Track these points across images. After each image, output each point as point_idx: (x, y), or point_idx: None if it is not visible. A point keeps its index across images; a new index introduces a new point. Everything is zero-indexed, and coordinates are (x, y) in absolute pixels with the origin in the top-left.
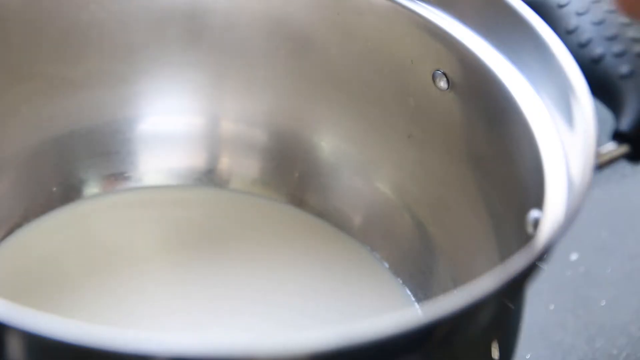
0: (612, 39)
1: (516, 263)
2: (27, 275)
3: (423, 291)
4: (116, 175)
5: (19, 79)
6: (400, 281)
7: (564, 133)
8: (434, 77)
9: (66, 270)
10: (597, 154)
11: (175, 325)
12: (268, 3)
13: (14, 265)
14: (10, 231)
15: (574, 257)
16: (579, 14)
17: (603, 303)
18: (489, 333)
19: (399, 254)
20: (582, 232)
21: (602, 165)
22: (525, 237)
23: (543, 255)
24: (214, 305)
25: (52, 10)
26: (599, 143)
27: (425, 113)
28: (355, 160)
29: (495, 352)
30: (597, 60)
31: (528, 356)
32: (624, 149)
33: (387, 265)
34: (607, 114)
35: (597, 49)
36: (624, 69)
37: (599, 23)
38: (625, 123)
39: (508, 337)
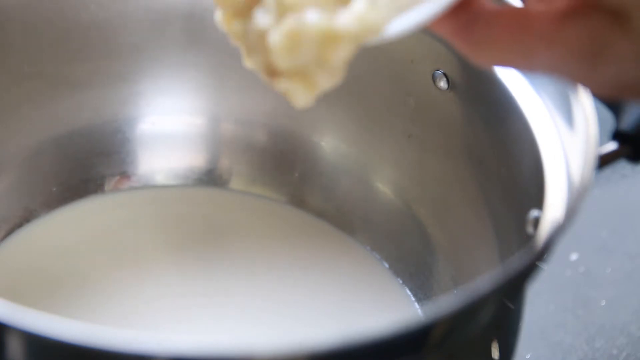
0: None
1: (516, 263)
2: (28, 274)
3: (423, 291)
4: (116, 175)
5: (19, 79)
6: (400, 281)
7: (564, 133)
8: (434, 77)
9: (66, 269)
10: (597, 154)
11: (175, 323)
12: None
13: (14, 264)
14: (10, 231)
15: (574, 257)
16: None
17: (603, 303)
18: (488, 333)
19: (399, 254)
20: (582, 232)
21: (602, 165)
22: (525, 237)
23: (543, 255)
24: (213, 304)
25: (52, 10)
26: (599, 143)
27: (425, 113)
28: (355, 160)
29: (495, 352)
30: None
31: (528, 356)
32: (624, 149)
33: (387, 265)
34: (607, 114)
35: None
36: None
37: None
38: (626, 123)
39: (508, 337)
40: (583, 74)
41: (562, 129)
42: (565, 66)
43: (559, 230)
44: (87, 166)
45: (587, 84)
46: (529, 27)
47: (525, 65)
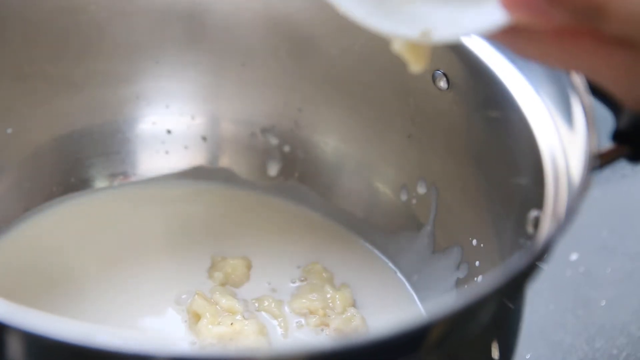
0: None
1: (516, 263)
2: (28, 273)
3: (423, 291)
4: (116, 175)
5: (19, 79)
6: (401, 281)
7: (564, 133)
8: (434, 77)
9: (66, 268)
10: (597, 154)
11: (176, 321)
12: (268, 3)
13: (13, 263)
14: (9, 231)
15: (574, 257)
16: None
17: (603, 303)
18: (489, 333)
19: (399, 253)
20: (582, 232)
21: (602, 165)
22: (525, 236)
23: (543, 255)
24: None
25: (52, 10)
26: (599, 143)
27: (425, 113)
28: (355, 160)
29: (495, 352)
30: None
31: (528, 356)
32: (624, 149)
33: (387, 264)
34: (607, 114)
35: None
36: None
37: None
38: (625, 123)
39: (508, 337)
40: (618, 85)
41: (562, 129)
42: (604, 77)
43: (559, 230)
44: (87, 166)
45: (621, 95)
46: (574, 36)
47: (565, 66)
